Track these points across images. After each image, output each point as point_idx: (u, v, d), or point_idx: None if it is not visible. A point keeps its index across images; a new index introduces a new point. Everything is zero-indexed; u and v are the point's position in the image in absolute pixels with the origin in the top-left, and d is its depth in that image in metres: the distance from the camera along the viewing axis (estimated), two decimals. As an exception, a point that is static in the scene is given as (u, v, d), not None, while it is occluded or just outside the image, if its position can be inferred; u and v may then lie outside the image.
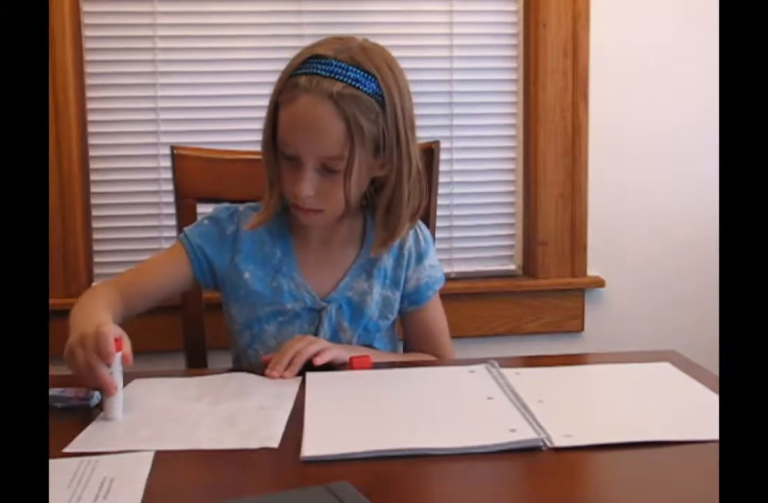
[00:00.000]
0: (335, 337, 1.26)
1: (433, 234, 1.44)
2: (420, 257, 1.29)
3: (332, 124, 1.11)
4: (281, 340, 1.21)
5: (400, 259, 1.27)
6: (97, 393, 1.00)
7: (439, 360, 1.30)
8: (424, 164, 1.26)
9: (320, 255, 1.28)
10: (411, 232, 1.28)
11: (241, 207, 1.31)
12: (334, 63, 1.12)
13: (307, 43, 1.55)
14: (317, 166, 1.14)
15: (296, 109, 1.12)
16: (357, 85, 1.12)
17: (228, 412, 0.96)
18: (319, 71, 1.11)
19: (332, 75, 1.11)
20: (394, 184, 1.18)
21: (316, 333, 1.24)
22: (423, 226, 1.33)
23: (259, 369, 1.12)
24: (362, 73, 1.12)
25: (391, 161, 1.17)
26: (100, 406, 0.98)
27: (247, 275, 1.26)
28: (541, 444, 0.85)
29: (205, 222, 1.30)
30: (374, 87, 1.13)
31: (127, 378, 1.11)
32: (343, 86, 1.11)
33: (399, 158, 1.16)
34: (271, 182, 1.21)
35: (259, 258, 1.26)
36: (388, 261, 1.27)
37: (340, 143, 1.12)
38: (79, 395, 0.99)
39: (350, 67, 1.12)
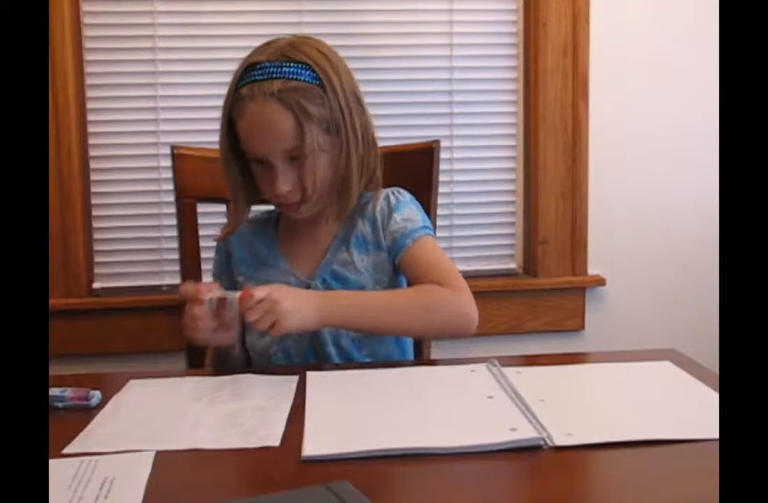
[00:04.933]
0: None
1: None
2: (390, 213, 1.29)
3: (282, 118, 1.17)
4: None
5: (375, 223, 1.29)
6: (97, 393, 1.00)
7: (440, 359, 1.30)
8: (423, 162, 1.31)
9: (305, 240, 1.31)
10: (383, 196, 1.30)
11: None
12: (267, 65, 1.18)
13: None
14: (285, 160, 1.20)
15: (248, 118, 1.19)
16: (293, 77, 1.18)
17: (227, 412, 0.96)
18: (256, 77, 1.18)
19: (268, 76, 1.18)
20: (345, 154, 1.23)
21: None
22: (402, 191, 1.33)
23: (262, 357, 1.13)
24: (294, 64, 1.19)
25: (341, 135, 1.22)
26: (99, 406, 0.98)
27: (240, 279, 1.31)
28: (542, 443, 0.85)
29: (215, 256, 1.38)
30: (310, 74, 1.20)
31: (124, 378, 1.11)
32: (281, 82, 1.17)
33: (345, 130, 1.22)
34: (235, 194, 1.26)
35: (248, 258, 1.31)
36: (364, 227, 1.29)
37: (294, 134, 1.18)
38: (79, 395, 0.99)
39: (282, 63, 1.19)
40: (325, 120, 1.20)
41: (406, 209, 1.30)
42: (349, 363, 1.24)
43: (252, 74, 1.19)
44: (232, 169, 1.25)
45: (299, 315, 1.10)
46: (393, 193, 1.32)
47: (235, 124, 1.21)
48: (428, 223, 1.31)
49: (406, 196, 1.33)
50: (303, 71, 1.19)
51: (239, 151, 1.23)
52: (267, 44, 1.23)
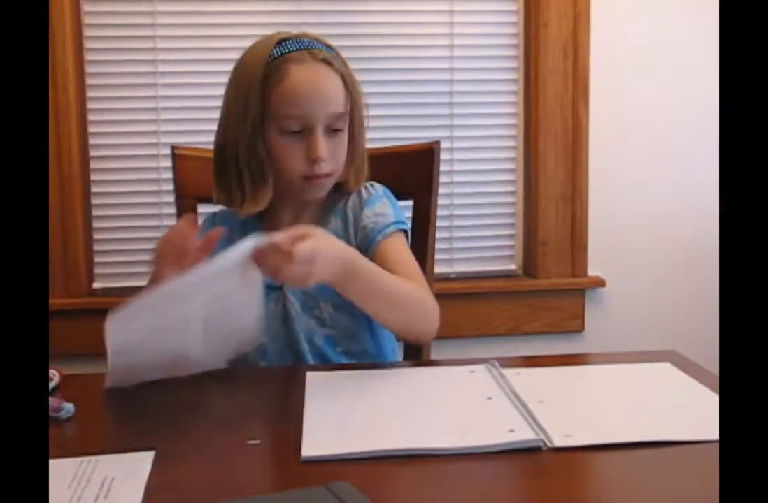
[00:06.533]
0: (308, 309, 1.25)
1: (433, 234, 1.44)
2: (362, 208, 1.27)
3: (333, 81, 1.20)
4: None
5: (346, 219, 1.27)
6: (69, 406, 0.97)
7: (439, 360, 1.30)
8: (423, 163, 1.34)
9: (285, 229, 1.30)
10: (355, 192, 1.29)
11: (218, 211, 1.37)
12: (306, 40, 1.21)
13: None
14: (324, 128, 1.20)
15: (296, 79, 1.18)
16: (329, 51, 1.22)
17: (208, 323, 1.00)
18: (299, 47, 1.20)
19: (311, 46, 1.20)
20: (360, 143, 1.27)
21: (285, 310, 1.25)
22: (376, 185, 1.32)
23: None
24: (322, 43, 1.23)
25: (356, 119, 1.26)
26: (70, 419, 0.96)
27: None
28: (541, 444, 0.85)
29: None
30: (334, 53, 1.24)
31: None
32: (326, 52, 1.21)
33: (360, 116, 1.27)
34: (260, 166, 1.22)
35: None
36: (336, 224, 1.27)
37: (342, 99, 1.21)
38: (52, 405, 0.96)
39: (314, 41, 1.22)
40: (351, 97, 1.24)
41: (379, 203, 1.27)
42: (324, 360, 1.24)
43: (290, 44, 1.20)
44: (261, 145, 1.21)
45: (330, 269, 1.03)
46: (365, 187, 1.30)
47: (271, 91, 1.19)
48: (401, 217, 1.28)
49: (378, 189, 1.31)
50: (331, 50, 1.23)
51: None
52: (274, 33, 1.24)
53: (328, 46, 1.24)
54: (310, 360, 1.24)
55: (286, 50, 1.19)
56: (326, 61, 1.20)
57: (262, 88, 1.19)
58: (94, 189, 1.81)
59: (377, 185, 1.32)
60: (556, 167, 1.89)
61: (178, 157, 1.46)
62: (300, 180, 1.22)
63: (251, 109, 1.19)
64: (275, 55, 1.19)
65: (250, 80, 1.19)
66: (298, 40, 1.20)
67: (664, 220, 1.96)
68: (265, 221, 1.31)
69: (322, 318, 1.25)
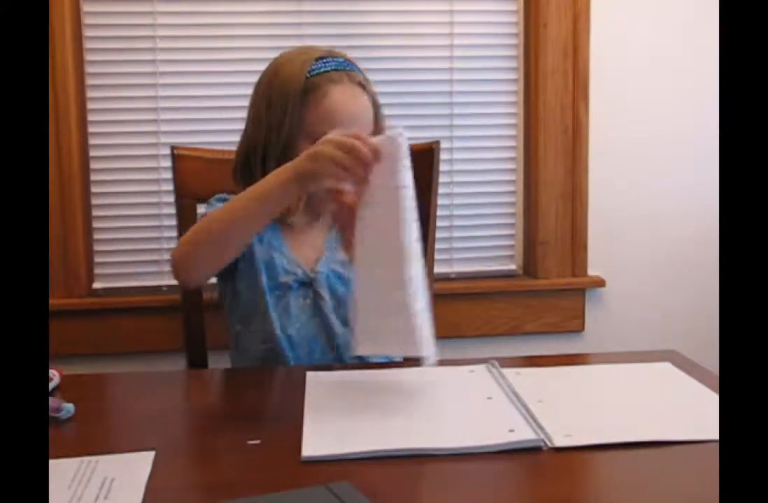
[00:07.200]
0: (339, 306, 1.27)
1: (433, 234, 1.44)
2: None
3: (366, 104, 1.28)
4: (280, 312, 1.26)
5: None
6: (69, 406, 0.97)
7: (439, 360, 1.30)
8: (423, 163, 1.34)
9: (302, 233, 1.32)
10: None
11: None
12: (341, 60, 1.28)
13: (306, 42, 1.56)
14: None
15: (336, 99, 1.25)
16: (361, 73, 1.30)
17: None
18: (336, 67, 1.26)
19: (348, 68, 1.27)
20: None
21: (315, 305, 1.27)
22: None
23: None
24: (356, 66, 1.29)
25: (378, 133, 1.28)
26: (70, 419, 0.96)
27: (258, 256, 1.29)
28: (541, 444, 0.85)
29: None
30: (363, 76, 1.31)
31: (124, 378, 1.11)
32: (359, 74, 1.29)
33: (381, 131, 1.29)
34: None
35: (260, 238, 1.29)
36: None
37: (371, 121, 1.28)
38: (52, 405, 0.96)
39: (349, 62, 1.29)
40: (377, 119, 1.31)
41: None
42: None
43: (328, 64, 1.26)
44: (293, 144, 1.23)
45: None
46: None
47: (309, 105, 1.23)
48: None
49: None
50: (361, 72, 1.29)
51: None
52: (307, 47, 1.32)
53: (359, 69, 1.30)
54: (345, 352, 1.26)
55: (326, 69, 1.25)
56: (361, 85, 1.27)
57: (301, 102, 1.24)
58: (94, 189, 1.81)
59: None
60: (556, 167, 1.89)
61: (178, 157, 1.47)
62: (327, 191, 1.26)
63: (287, 120, 1.24)
64: (314, 72, 1.24)
65: (290, 93, 1.24)
66: (336, 60, 1.28)
67: (665, 220, 1.96)
68: (279, 220, 1.32)
69: (347, 320, 1.25)
